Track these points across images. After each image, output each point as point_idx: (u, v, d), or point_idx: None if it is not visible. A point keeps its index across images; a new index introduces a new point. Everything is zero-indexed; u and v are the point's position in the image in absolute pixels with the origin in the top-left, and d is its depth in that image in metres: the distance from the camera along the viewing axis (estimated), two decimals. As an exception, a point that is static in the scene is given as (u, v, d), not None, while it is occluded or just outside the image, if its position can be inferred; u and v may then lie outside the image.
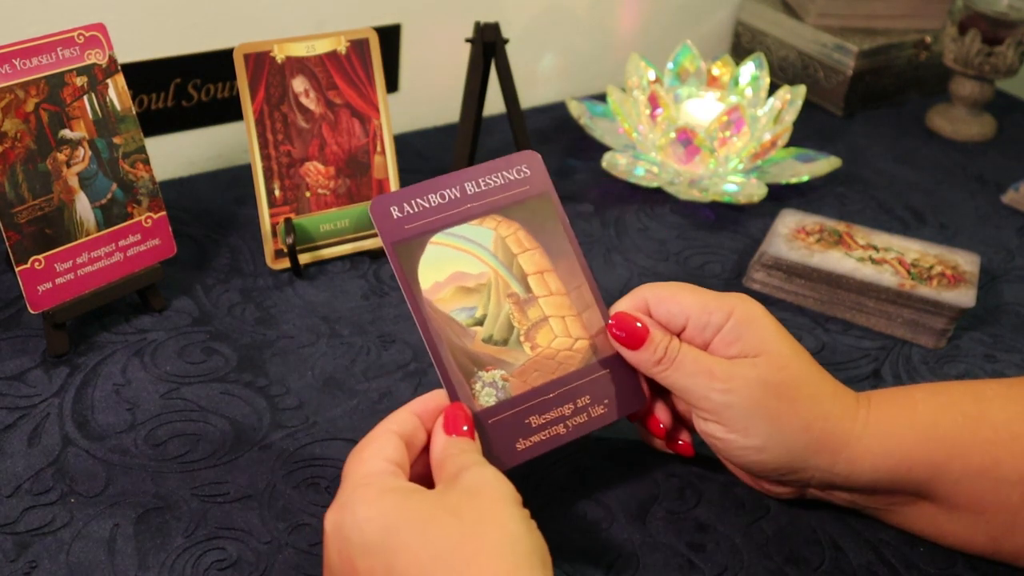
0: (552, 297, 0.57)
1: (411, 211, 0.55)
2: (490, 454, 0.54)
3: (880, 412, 0.54)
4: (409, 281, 0.54)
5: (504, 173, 0.57)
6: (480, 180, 0.56)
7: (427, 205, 0.55)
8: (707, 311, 0.55)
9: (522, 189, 0.57)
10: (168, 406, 0.63)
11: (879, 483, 0.54)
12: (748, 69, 0.94)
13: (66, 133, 0.64)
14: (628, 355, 0.55)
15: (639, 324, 0.55)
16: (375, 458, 0.48)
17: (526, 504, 0.47)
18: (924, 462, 0.53)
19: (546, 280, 0.57)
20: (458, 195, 0.56)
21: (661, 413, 0.58)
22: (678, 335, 0.56)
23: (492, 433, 0.54)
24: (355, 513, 0.45)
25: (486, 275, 0.55)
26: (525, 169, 0.57)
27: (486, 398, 0.54)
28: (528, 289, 0.56)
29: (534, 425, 0.55)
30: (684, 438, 0.59)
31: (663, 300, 0.56)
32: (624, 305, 0.57)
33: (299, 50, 0.74)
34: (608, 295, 0.76)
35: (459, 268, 0.55)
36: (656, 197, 0.89)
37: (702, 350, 0.55)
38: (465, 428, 0.50)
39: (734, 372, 0.53)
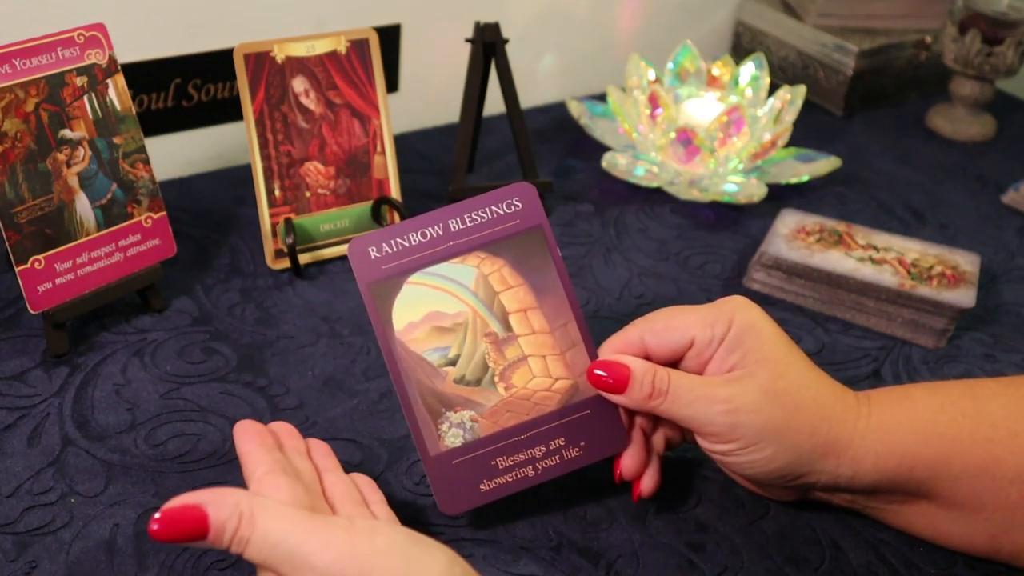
0: (534, 336, 0.55)
1: (390, 251, 0.54)
2: (453, 495, 0.54)
3: (880, 411, 0.54)
4: (382, 322, 0.53)
5: (493, 208, 0.55)
6: (466, 216, 0.55)
7: (407, 244, 0.54)
8: (709, 324, 0.53)
9: (512, 224, 0.55)
10: (168, 406, 0.63)
11: (881, 483, 0.53)
12: (748, 69, 0.94)
13: (66, 133, 0.64)
14: (618, 399, 0.54)
15: (620, 366, 0.53)
16: None
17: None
18: (925, 461, 0.53)
19: (529, 318, 0.55)
20: (440, 233, 0.54)
21: (628, 460, 0.55)
22: (681, 357, 0.55)
23: (456, 474, 0.54)
24: None
25: (463, 314, 0.55)
26: (517, 203, 0.56)
27: (452, 439, 0.54)
28: (508, 328, 0.55)
29: (501, 467, 0.54)
30: (645, 486, 0.56)
31: (660, 332, 0.54)
32: (615, 343, 0.55)
33: (299, 50, 0.74)
34: (608, 295, 0.76)
35: (435, 308, 0.54)
36: (656, 197, 0.89)
37: (699, 369, 0.54)
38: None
39: (734, 391, 0.52)
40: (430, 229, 0.55)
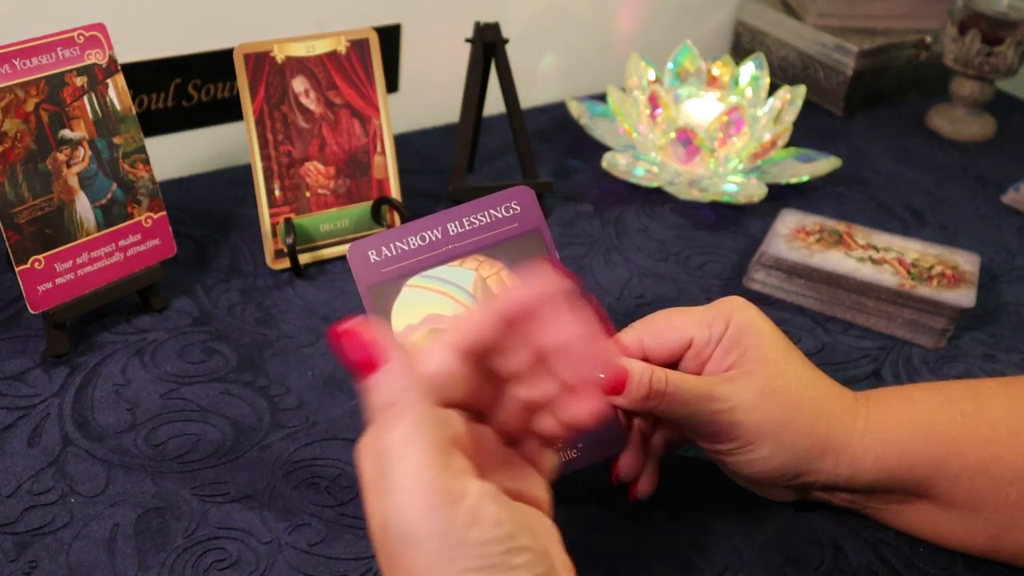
0: None
1: (389, 254, 0.54)
2: None
3: (880, 411, 0.54)
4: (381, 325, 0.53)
5: (491, 211, 0.56)
6: (464, 220, 0.55)
7: (406, 248, 0.54)
8: (707, 324, 0.54)
9: (510, 227, 0.56)
10: (168, 406, 0.63)
11: (880, 482, 0.53)
12: (748, 69, 0.94)
13: (66, 133, 0.64)
14: (616, 401, 0.53)
15: (617, 367, 0.52)
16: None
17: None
18: (924, 460, 0.53)
19: None
20: (439, 236, 0.55)
21: (625, 461, 0.55)
22: (680, 358, 0.55)
23: None
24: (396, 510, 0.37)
25: None
26: (515, 206, 0.56)
27: None
28: None
29: None
30: (642, 488, 0.56)
31: (660, 333, 0.54)
32: None
33: (299, 50, 0.74)
34: (608, 295, 0.76)
35: (434, 310, 0.54)
36: (656, 197, 0.89)
37: (698, 369, 0.54)
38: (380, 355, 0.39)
39: (732, 390, 0.52)
40: (429, 232, 0.55)
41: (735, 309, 0.54)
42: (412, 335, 0.54)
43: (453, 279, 0.55)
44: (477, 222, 0.55)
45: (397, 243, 0.54)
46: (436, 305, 0.54)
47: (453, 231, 0.55)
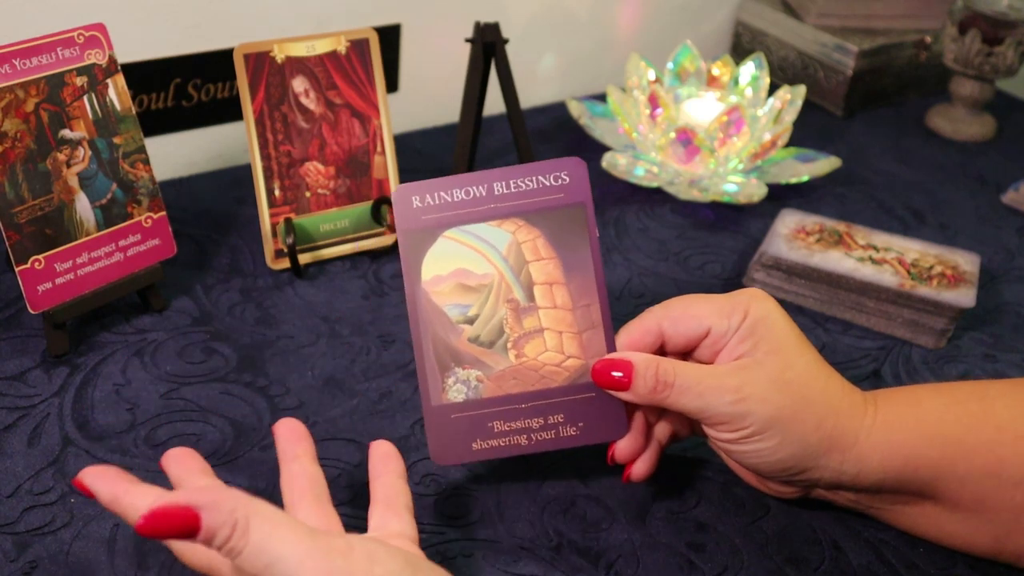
0: (555, 310, 0.56)
1: (432, 202, 0.55)
2: (444, 447, 0.55)
3: (887, 410, 0.54)
4: (411, 268, 0.54)
5: (539, 178, 0.56)
6: (511, 182, 0.55)
7: (449, 199, 0.55)
8: (725, 315, 0.54)
9: (555, 197, 0.56)
10: (168, 406, 0.63)
11: (885, 482, 0.53)
12: (748, 69, 0.94)
13: (66, 133, 0.64)
14: (625, 396, 0.54)
15: (622, 362, 0.53)
16: None
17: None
18: (930, 461, 0.52)
19: (553, 292, 0.56)
20: (483, 193, 0.55)
21: (623, 443, 0.56)
22: (696, 346, 0.55)
23: (451, 428, 0.55)
24: None
25: (490, 276, 0.55)
26: (564, 176, 0.56)
27: (455, 394, 0.55)
28: (531, 298, 0.56)
29: (496, 430, 0.55)
30: (637, 470, 0.56)
31: (678, 320, 0.54)
32: (632, 329, 0.55)
33: (299, 50, 0.74)
34: (608, 295, 0.76)
35: (464, 265, 0.55)
36: (656, 197, 0.89)
37: (711, 358, 0.54)
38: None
39: (743, 379, 0.52)
40: (474, 188, 0.55)
41: (752, 300, 0.54)
42: (438, 285, 0.55)
43: (489, 238, 0.55)
44: (524, 186, 0.56)
45: (442, 193, 0.55)
46: (467, 260, 0.55)
47: (498, 191, 0.55)
